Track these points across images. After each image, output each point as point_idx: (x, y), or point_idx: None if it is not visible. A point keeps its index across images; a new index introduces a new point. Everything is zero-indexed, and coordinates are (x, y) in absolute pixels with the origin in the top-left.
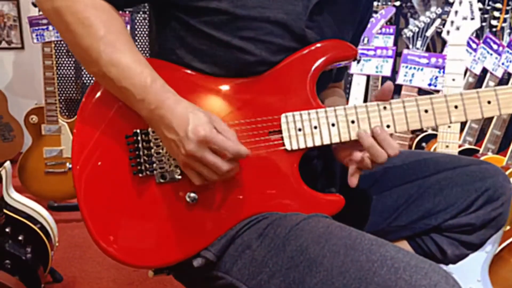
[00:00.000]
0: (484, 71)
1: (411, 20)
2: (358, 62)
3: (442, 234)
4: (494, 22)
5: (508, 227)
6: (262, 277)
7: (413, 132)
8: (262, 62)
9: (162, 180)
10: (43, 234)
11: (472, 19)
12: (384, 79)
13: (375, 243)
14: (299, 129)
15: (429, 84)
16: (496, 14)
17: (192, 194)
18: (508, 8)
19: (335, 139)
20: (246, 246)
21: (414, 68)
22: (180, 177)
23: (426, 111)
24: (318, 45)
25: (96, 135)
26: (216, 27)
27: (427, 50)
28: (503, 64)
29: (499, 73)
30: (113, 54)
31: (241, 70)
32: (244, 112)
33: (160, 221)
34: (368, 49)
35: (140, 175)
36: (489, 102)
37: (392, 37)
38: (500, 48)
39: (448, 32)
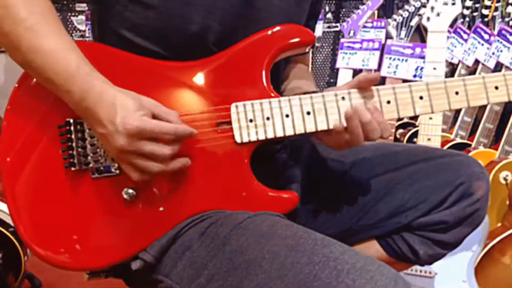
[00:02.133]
0: (477, 62)
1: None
2: (312, 48)
3: (414, 233)
4: (485, 12)
5: (499, 224)
6: (201, 281)
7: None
8: (206, 30)
9: (97, 175)
10: (15, 239)
11: (453, 4)
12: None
13: (320, 243)
14: (250, 120)
15: (414, 76)
16: (487, 3)
17: (130, 190)
18: None
19: (289, 132)
20: (186, 247)
21: (398, 59)
22: (117, 171)
23: (388, 102)
24: (274, 29)
25: (28, 126)
26: None
27: (421, 40)
28: (493, 54)
29: (491, 64)
30: (35, 40)
31: (186, 44)
32: (190, 101)
33: (95, 220)
34: (354, 42)
35: (73, 168)
36: (457, 93)
37: (384, 30)
38: (492, 38)
39: (428, 18)
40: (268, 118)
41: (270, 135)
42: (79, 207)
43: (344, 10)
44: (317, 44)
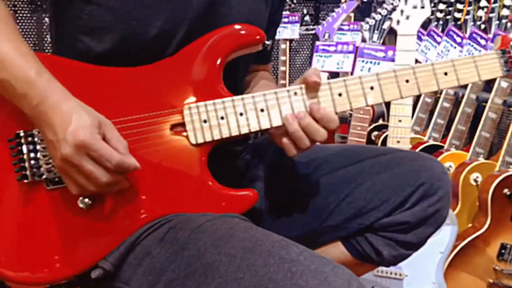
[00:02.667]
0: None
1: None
2: (266, 48)
3: (377, 234)
4: (457, 15)
5: (469, 225)
6: (160, 287)
7: None
8: (165, 35)
9: (52, 186)
10: None
11: (422, 7)
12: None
13: (277, 245)
14: (204, 121)
15: None
16: (460, 6)
17: (86, 199)
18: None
19: (244, 130)
20: (146, 253)
21: (371, 62)
22: None
23: (340, 94)
24: (225, 30)
25: None
26: None
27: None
28: (442, 52)
29: None
30: None
31: (144, 47)
32: (143, 105)
33: (53, 231)
34: (329, 45)
35: (26, 180)
36: (407, 81)
37: (360, 33)
38: (464, 41)
39: (398, 21)
40: (222, 118)
41: (225, 135)
42: (36, 219)
43: (322, 12)
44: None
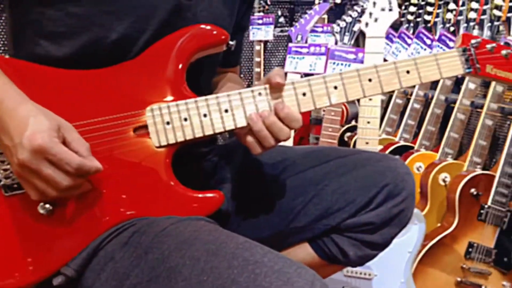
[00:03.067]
0: None
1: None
2: (230, 48)
3: (343, 235)
4: (427, 17)
5: (438, 224)
6: None
7: None
8: (127, 40)
9: (10, 192)
10: None
11: (390, 10)
12: None
13: (241, 246)
14: (167, 123)
15: None
16: (430, 9)
17: (47, 205)
18: (440, 2)
19: (208, 131)
20: (109, 258)
21: (342, 64)
22: None
23: (304, 94)
24: (188, 30)
25: None
26: (73, 2)
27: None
28: (412, 54)
29: None
30: None
31: (105, 52)
32: (105, 108)
33: (12, 239)
34: (302, 47)
35: None
36: (370, 80)
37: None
38: (434, 43)
39: (366, 24)
40: (185, 119)
41: (189, 136)
42: None
43: (297, 14)
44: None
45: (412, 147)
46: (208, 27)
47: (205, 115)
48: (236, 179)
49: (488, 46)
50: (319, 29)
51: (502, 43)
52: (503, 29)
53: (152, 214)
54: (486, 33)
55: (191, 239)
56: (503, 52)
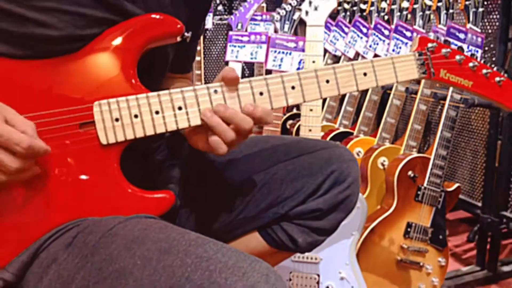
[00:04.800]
0: (358, 54)
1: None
2: (185, 40)
3: (292, 222)
4: (363, 6)
5: (378, 207)
6: None
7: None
8: (69, 38)
9: None
10: None
11: None
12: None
13: (194, 243)
14: (116, 119)
15: (298, 69)
16: None
17: None
18: None
19: (160, 129)
20: (52, 260)
21: (283, 52)
22: None
23: (261, 93)
24: (139, 19)
25: None
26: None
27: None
28: (370, 46)
29: (369, 56)
30: None
31: (45, 49)
32: (47, 101)
33: None
34: (242, 35)
35: None
36: (327, 81)
37: (273, 24)
38: (370, 31)
39: (307, 12)
40: (136, 116)
41: (139, 134)
42: None
43: (235, 2)
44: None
45: (352, 133)
46: (161, 16)
47: (157, 112)
48: (184, 174)
49: (444, 50)
50: (258, 18)
51: (432, 32)
52: (433, 18)
53: (98, 215)
54: (418, 22)
55: (141, 238)
56: (457, 57)
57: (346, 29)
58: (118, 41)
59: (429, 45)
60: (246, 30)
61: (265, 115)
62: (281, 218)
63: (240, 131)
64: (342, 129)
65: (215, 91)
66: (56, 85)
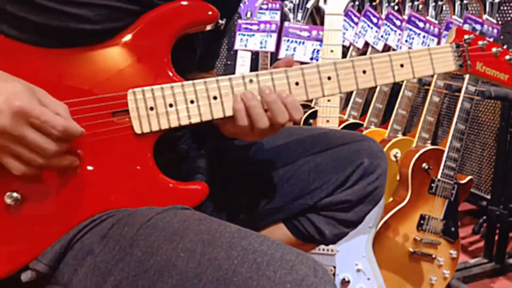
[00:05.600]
0: (367, 45)
1: None
2: (219, 28)
3: (319, 214)
4: None
5: (390, 199)
6: None
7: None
8: (103, 31)
9: None
10: None
11: None
12: (273, 55)
13: (237, 235)
14: (151, 108)
15: (311, 58)
16: None
17: (15, 194)
18: None
19: (195, 119)
20: (87, 251)
21: (296, 41)
22: None
23: (297, 83)
24: (172, 5)
25: None
26: None
27: (313, 23)
28: (382, 37)
29: (379, 47)
30: None
31: (79, 42)
32: (80, 89)
33: None
34: (251, 24)
35: None
36: (364, 72)
37: (279, 12)
38: (380, 21)
39: (325, 0)
40: (171, 105)
41: (174, 124)
42: None
43: None
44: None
45: (362, 124)
46: (193, 2)
47: (192, 102)
48: (209, 164)
49: (480, 43)
50: (264, 6)
51: (445, 23)
52: (446, 8)
53: (132, 206)
54: (431, 12)
55: (181, 229)
56: (494, 50)
57: (355, 19)
58: (151, 29)
59: (466, 36)
60: (254, 19)
61: (293, 105)
62: (309, 210)
63: (274, 122)
64: (352, 120)
65: (251, 81)
66: (89, 72)
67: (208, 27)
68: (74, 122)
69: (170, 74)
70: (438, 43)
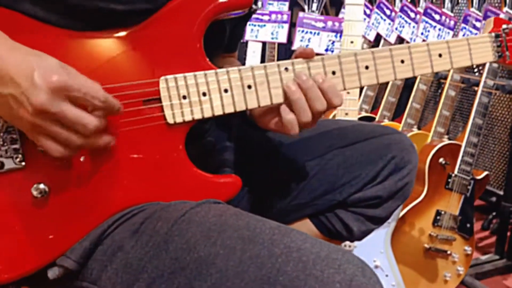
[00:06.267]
0: (377, 38)
1: None
2: (253, 12)
3: (347, 210)
4: None
5: None
6: (139, 286)
7: None
8: (134, 11)
9: None
10: None
11: None
12: (281, 46)
13: (277, 232)
14: (184, 97)
15: (326, 50)
16: None
17: (41, 186)
18: None
19: (229, 109)
20: (117, 247)
21: (310, 32)
22: (23, 163)
23: (333, 72)
24: None
25: None
26: None
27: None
28: (396, 29)
29: (392, 39)
30: None
31: (109, 24)
32: (109, 75)
33: None
34: (262, 14)
35: None
36: (402, 61)
37: (287, 3)
38: (393, 14)
39: None
40: (204, 94)
41: (208, 114)
42: None
43: None
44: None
45: (374, 118)
46: None
47: (226, 91)
48: (236, 157)
49: None
50: None
51: (463, 16)
52: (462, 1)
53: (164, 199)
54: (447, 5)
55: (218, 225)
56: None
57: (367, 11)
58: (184, 12)
59: (504, 26)
60: (265, 9)
61: (331, 91)
62: (336, 205)
63: (314, 111)
64: (364, 114)
65: (286, 69)
66: (118, 57)
67: (242, 12)
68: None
69: (203, 61)
70: (454, 36)
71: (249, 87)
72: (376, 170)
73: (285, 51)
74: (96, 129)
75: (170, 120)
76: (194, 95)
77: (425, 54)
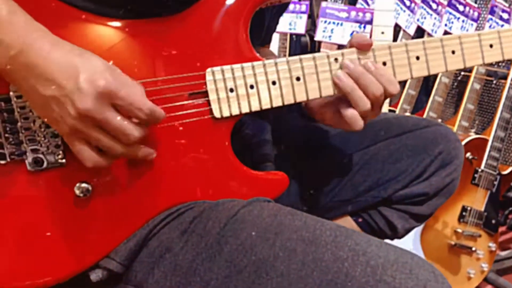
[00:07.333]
0: (418, 31)
1: None
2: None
3: (391, 207)
4: None
5: None
6: None
7: None
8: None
9: (36, 167)
10: None
11: None
12: (298, 37)
13: (339, 233)
14: (231, 90)
15: None
16: None
17: (84, 185)
18: None
19: (277, 102)
20: (165, 248)
21: (333, 23)
22: (64, 160)
23: (384, 63)
24: None
25: None
26: None
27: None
28: (418, 20)
29: (411, 31)
30: None
31: (153, 12)
32: (153, 67)
33: (38, 225)
34: None
35: (3, 162)
36: (453, 52)
37: None
38: (413, 5)
39: None
40: (251, 87)
41: (255, 108)
42: (16, 210)
43: None
44: None
45: (394, 111)
46: None
47: (273, 83)
48: (274, 152)
49: None
50: None
51: (489, 7)
52: None
53: (211, 198)
54: None
55: (274, 226)
56: None
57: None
58: (229, 0)
59: None
60: None
61: (386, 77)
62: (381, 203)
63: (370, 96)
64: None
65: (336, 60)
66: (162, 48)
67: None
68: (154, 104)
69: (250, 52)
70: (477, 28)
71: (298, 79)
72: (423, 166)
73: (295, 42)
74: (137, 141)
75: (217, 114)
76: (241, 87)
77: (476, 44)
